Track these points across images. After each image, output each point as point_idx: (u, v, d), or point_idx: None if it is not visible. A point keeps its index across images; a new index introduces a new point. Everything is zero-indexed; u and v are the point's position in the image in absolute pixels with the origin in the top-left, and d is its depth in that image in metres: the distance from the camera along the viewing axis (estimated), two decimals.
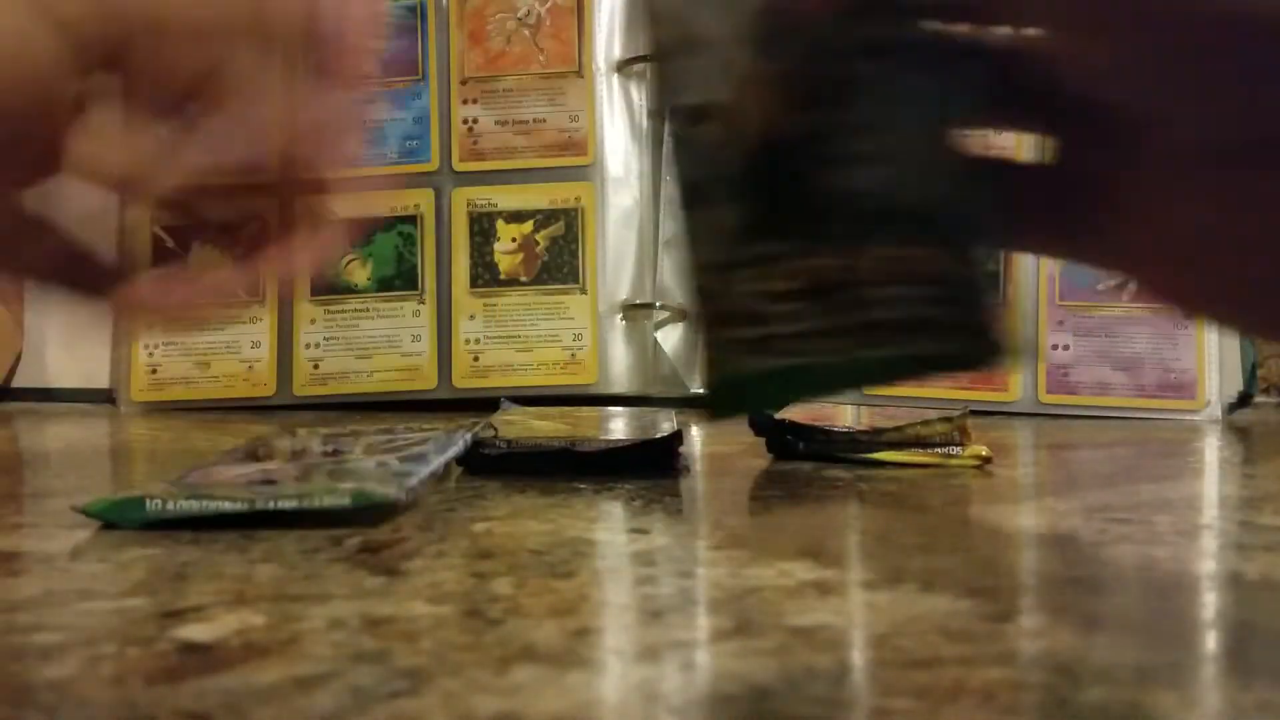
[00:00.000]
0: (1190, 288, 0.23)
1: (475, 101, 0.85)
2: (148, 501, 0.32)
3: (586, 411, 0.60)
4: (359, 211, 0.30)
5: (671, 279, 0.82)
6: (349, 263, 0.83)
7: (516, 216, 0.83)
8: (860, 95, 0.24)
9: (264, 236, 0.32)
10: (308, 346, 0.82)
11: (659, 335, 0.83)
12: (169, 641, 0.21)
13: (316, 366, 0.82)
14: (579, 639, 0.22)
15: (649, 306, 0.83)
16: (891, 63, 0.24)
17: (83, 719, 0.18)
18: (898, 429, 0.47)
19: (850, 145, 0.24)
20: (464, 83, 0.85)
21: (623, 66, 0.85)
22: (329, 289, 0.83)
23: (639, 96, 0.85)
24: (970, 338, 0.25)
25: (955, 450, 0.46)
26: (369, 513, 0.32)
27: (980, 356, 0.26)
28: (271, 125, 0.29)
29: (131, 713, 0.18)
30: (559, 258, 0.83)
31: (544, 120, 0.84)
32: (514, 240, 0.83)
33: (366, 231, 0.82)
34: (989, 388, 0.80)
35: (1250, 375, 0.79)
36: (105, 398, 0.84)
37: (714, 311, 0.25)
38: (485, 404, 0.63)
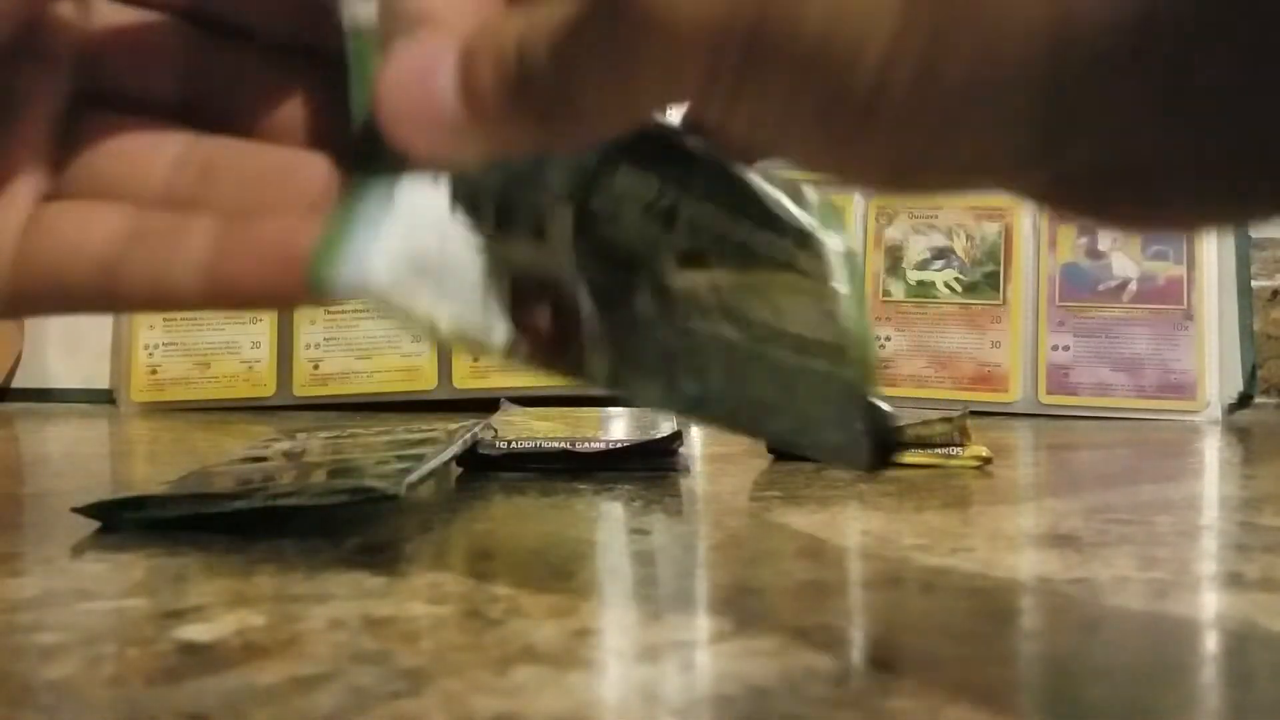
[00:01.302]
0: None
1: None
2: (147, 502, 0.32)
3: (586, 412, 0.60)
4: None
5: None
6: None
7: None
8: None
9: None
10: (308, 347, 0.82)
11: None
12: (169, 642, 0.21)
13: (316, 367, 0.82)
14: (579, 639, 0.22)
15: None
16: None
17: (82, 719, 0.18)
18: (898, 429, 0.47)
19: None
20: None
21: None
22: None
23: None
24: None
25: (955, 451, 0.46)
26: (369, 512, 0.32)
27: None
28: None
29: (131, 713, 0.18)
30: None
31: None
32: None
33: None
34: (989, 389, 0.80)
35: (1250, 376, 0.79)
36: (105, 398, 0.84)
37: None
38: (485, 404, 0.63)
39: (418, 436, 0.43)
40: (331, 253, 0.20)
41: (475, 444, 0.44)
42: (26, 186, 0.23)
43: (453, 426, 0.44)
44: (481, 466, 0.43)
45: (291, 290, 0.21)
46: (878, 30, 0.16)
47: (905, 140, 0.17)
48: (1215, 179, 0.17)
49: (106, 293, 0.23)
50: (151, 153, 0.24)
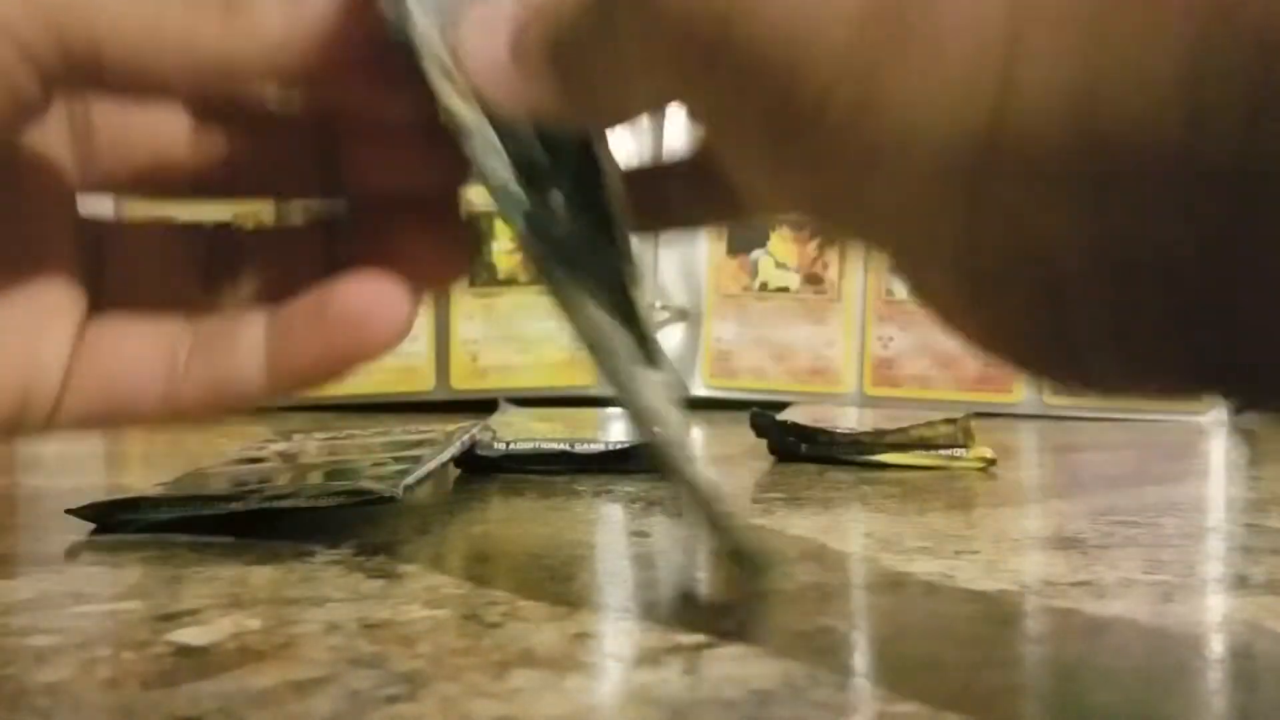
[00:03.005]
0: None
1: None
2: (142, 504, 0.32)
3: (586, 413, 0.60)
4: None
5: (671, 279, 0.82)
6: None
7: None
8: None
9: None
10: None
11: (659, 335, 0.83)
12: (164, 645, 0.21)
13: None
14: (578, 643, 0.21)
15: (649, 306, 0.82)
16: None
17: None
18: (901, 431, 0.46)
19: None
20: None
21: None
22: None
23: None
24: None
25: (959, 452, 0.46)
26: (365, 514, 0.32)
27: None
28: None
29: (126, 717, 0.18)
30: None
31: None
32: (513, 240, 0.82)
33: None
34: (993, 389, 0.80)
35: None
36: None
37: None
38: (484, 405, 0.63)
39: (415, 438, 0.43)
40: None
41: (473, 445, 0.44)
42: (66, 304, 0.22)
43: (451, 428, 0.44)
44: (480, 468, 0.43)
45: (353, 357, 0.22)
46: (827, 50, 0.16)
47: (835, 166, 0.17)
48: (1140, 354, 0.15)
49: (169, 405, 0.23)
50: (184, 254, 0.24)
